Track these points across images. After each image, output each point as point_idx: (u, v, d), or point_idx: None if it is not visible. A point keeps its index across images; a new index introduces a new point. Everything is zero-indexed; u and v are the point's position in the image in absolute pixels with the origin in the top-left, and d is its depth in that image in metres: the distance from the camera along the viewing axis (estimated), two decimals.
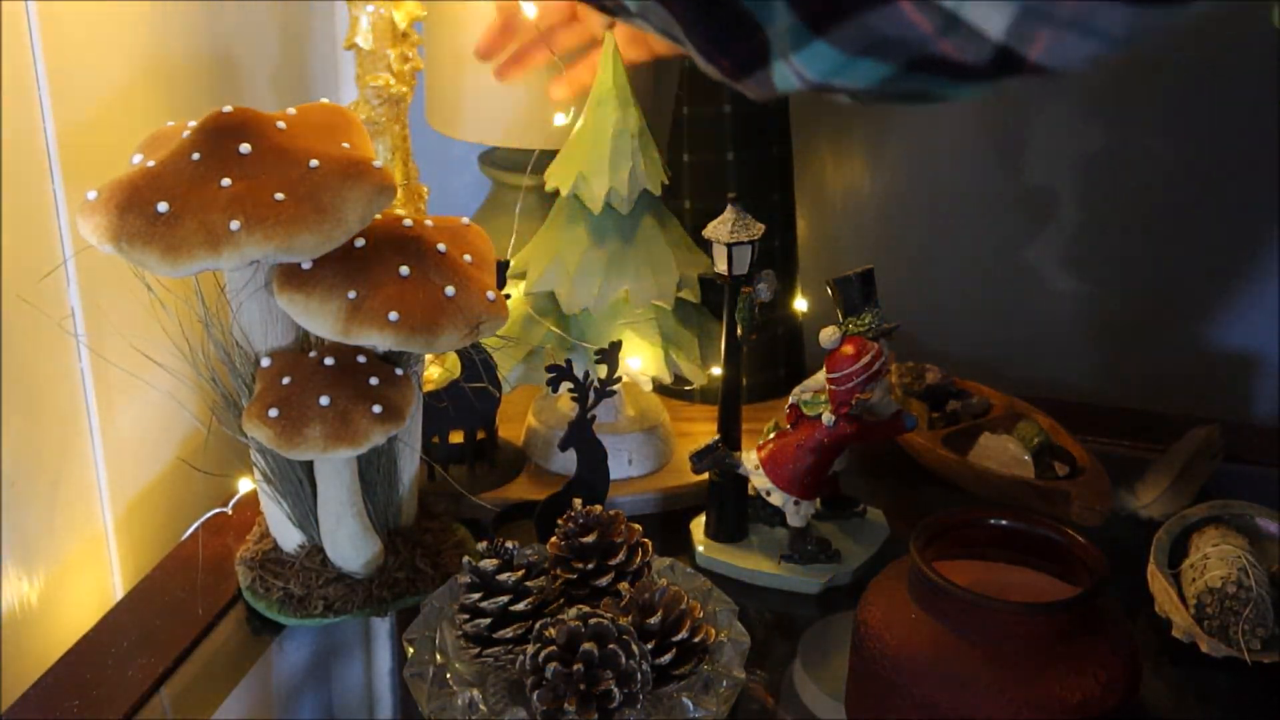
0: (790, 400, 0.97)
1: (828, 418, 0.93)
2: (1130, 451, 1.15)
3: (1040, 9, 0.43)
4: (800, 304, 1.18)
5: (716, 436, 0.99)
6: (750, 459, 0.96)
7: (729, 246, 0.94)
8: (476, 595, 0.81)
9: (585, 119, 1.02)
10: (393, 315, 0.82)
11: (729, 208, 0.95)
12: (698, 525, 1.02)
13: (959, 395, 1.15)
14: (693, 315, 1.09)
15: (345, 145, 0.86)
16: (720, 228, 0.95)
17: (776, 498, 0.96)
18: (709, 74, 0.57)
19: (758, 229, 0.95)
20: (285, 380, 0.86)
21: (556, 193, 1.04)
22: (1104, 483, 1.03)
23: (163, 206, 0.78)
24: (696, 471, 0.99)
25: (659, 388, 1.10)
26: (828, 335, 0.91)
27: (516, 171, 1.22)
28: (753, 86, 0.56)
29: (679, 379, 1.06)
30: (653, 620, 0.78)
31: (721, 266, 0.95)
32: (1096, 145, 1.28)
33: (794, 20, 0.48)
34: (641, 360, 1.05)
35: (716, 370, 1.02)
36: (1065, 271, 1.32)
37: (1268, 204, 1.22)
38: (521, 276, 1.06)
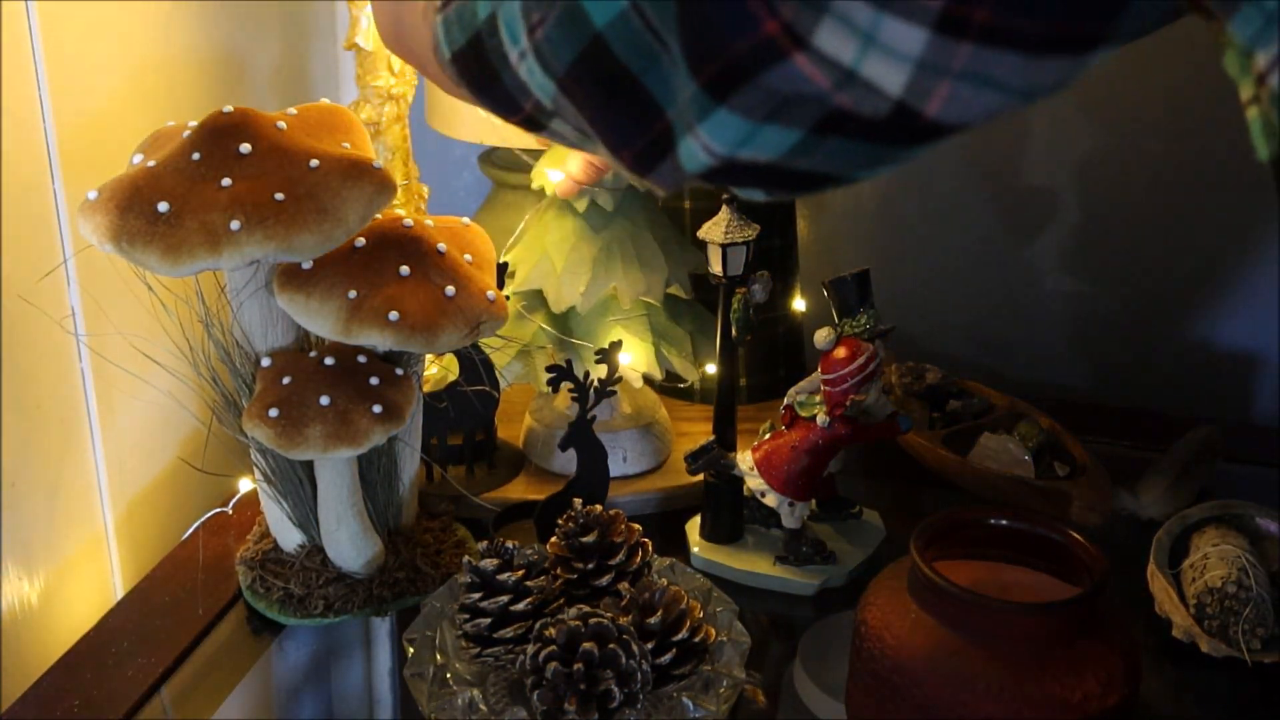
0: (785, 401, 0.97)
1: (822, 419, 0.92)
2: (1130, 451, 1.14)
3: (938, 62, 0.41)
4: (800, 304, 1.18)
5: (711, 437, 0.99)
6: (745, 460, 0.96)
7: (724, 248, 0.94)
8: (477, 595, 0.81)
9: None
10: (393, 315, 0.82)
11: (724, 208, 0.95)
12: (693, 526, 1.02)
13: (959, 395, 1.15)
14: (685, 312, 1.09)
15: (345, 145, 0.86)
16: (715, 229, 0.94)
17: (771, 499, 0.96)
18: (621, 172, 0.54)
19: (752, 230, 0.94)
20: (285, 380, 0.86)
21: (544, 190, 1.04)
22: (1104, 483, 1.02)
23: (163, 206, 0.78)
24: (691, 473, 0.99)
25: (659, 388, 1.09)
26: (822, 337, 0.91)
27: (516, 171, 1.22)
28: (658, 180, 0.53)
29: (671, 375, 1.06)
30: (653, 620, 0.78)
31: (716, 267, 0.95)
32: (1095, 146, 1.28)
33: (695, 88, 0.46)
34: (632, 357, 1.05)
35: (711, 368, 1.01)
36: (1065, 271, 1.32)
37: (1266, 203, 1.22)
38: (512, 275, 1.06)
